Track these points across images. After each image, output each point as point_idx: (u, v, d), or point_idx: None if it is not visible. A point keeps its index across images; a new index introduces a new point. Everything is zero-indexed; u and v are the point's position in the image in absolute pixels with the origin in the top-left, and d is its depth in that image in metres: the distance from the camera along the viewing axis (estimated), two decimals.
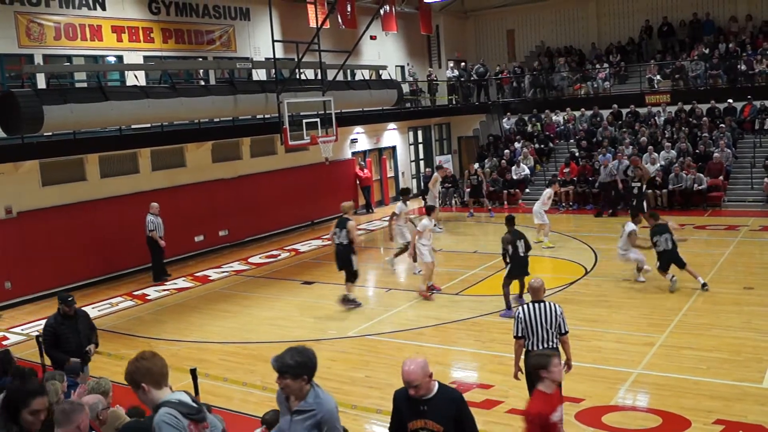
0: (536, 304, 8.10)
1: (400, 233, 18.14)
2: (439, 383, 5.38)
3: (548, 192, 19.78)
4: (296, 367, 4.86)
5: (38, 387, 5.16)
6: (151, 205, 18.29)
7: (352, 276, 14.77)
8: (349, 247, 14.53)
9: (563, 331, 8.06)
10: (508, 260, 13.42)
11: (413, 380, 5.18)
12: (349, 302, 14.74)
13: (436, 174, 24.08)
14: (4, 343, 13.85)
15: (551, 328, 7.97)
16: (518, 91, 32.25)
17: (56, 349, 9.63)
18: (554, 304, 8.13)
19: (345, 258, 14.62)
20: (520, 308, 8.14)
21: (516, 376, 8.33)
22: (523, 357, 8.17)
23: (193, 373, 8.64)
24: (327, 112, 19.71)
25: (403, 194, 18.99)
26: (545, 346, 7.94)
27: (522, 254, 13.26)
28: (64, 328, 9.63)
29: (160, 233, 18.29)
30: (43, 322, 15.41)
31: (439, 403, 5.27)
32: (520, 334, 8.07)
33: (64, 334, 9.60)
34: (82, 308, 10.70)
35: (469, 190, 26.19)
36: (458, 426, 5.31)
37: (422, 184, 29.88)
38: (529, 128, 30.52)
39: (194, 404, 4.46)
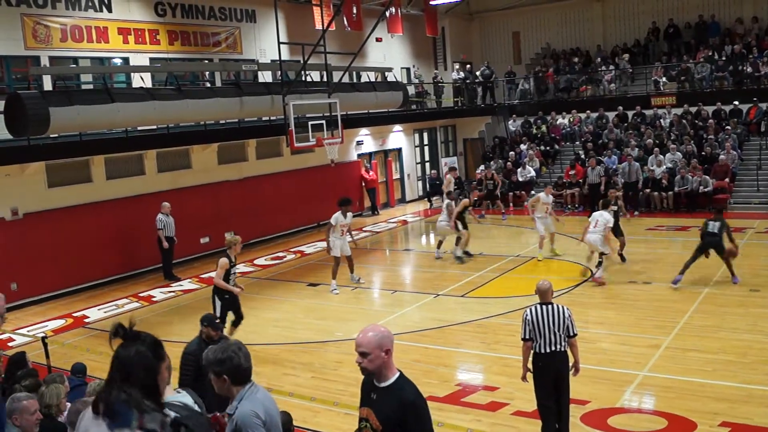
0: (544, 306, 8.06)
1: (338, 247, 16.37)
2: (401, 377, 4.56)
3: (537, 196, 18.73)
4: (214, 363, 4.52)
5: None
6: (162, 204, 18.42)
7: (234, 320, 12.67)
8: (215, 288, 12.54)
9: (572, 334, 8.00)
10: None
11: (361, 344, 4.46)
12: None
13: (449, 176, 24.03)
14: (10, 344, 13.88)
15: (559, 330, 7.92)
16: (524, 93, 32.28)
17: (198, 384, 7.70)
18: (562, 307, 8.10)
19: (212, 299, 12.61)
20: (528, 310, 8.11)
21: (524, 378, 8.29)
22: (530, 359, 8.14)
23: None
24: (333, 114, 19.71)
25: (342, 204, 16.44)
26: (553, 348, 7.92)
27: (711, 230, 14.83)
28: None
29: (171, 233, 18.38)
30: (50, 323, 15.60)
31: (387, 398, 4.48)
32: (527, 336, 8.03)
33: None
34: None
35: (484, 193, 26.31)
36: None
37: (428, 186, 29.94)
38: (534, 130, 30.51)
39: (197, 408, 4.42)
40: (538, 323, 7.95)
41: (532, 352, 8.07)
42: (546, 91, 31.81)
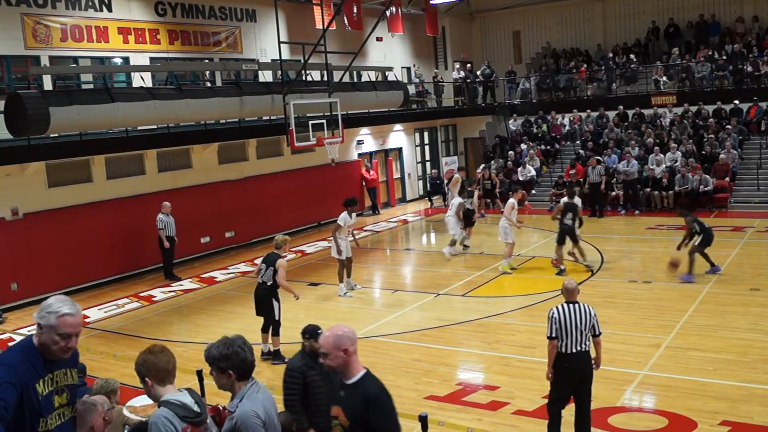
0: (571, 305, 8.05)
1: (344, 248, 16.04)
2: (367, 374, 4.73)
3: (510, 202, 17.50)
4: (220, 359, 4.57)
5: None
6: (162, 204, 18.41)
7: (275, 327, 12.28)
8: (273, 290, 12.17)
9: (596, 333, 8.04)
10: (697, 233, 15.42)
11: (322, 345, 4.71)
12: (278, 357, 12.08)
13: (457, 175, 24.01)
14: (10, 344, 13.88)
15: (585, 330, 7.91)
16: (524, 93, 32.27)
17: (302, 405, 7.00)
18: (588, 306, 8.11)
19: (265, 302, 12.24)
20: (554, 309, 8.06)
21: (548, 377, 8.24)
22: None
23: (200, 374, 8.66)
24: (333, 113, 19.71)
25: (349, 205, 16.10)
26: (579, 348, 7.91)
27: (707, 226, 15.45)
28: (314, 374, 7.02)
29: (171, 233, 18.38)
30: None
31: (353, 394, 4.65)
32: (553, 335, 7.98)
33: (314, 383, 7.01)
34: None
35: (482, 192, 26.39)
36: (369, 430, 4.60)
37: (428, 185, 29.95)
38: (535, 130, 30.50)
39: (196, 408, 4.44)
40: (564, 322, 7.92)
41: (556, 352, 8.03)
42: (577, 88, 31.42)
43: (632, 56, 30.21)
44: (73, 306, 4.16)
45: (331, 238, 16.18)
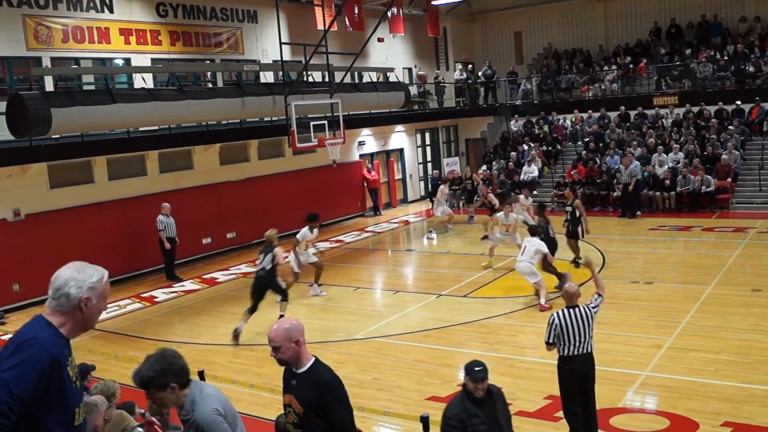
0: (571, 310, 8.01)
1: (299, 263, 16.11)
2: (317, 360, 4.93)
3: (498, 218, 17.93)
4: (159, 377, 4.36)
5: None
6: (162, 205, 18.41)
7: (285, 296, 13.93)
8: (273, 272, 13.64)
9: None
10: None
11: (272, 339, 4.83)
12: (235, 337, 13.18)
13: (442, 187, 23.83)
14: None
15: (588, 331, 7.90)
16: (526, 93, 32.27)
17: None
18: (588, 308, 8.11)
19: (272, 282, 13.70)
20: (556, 314, 8.03)
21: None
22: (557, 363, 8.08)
23: (201, 375, 8.65)
24: (334, 114, 19.72)
25: (309, 220, 16.09)
26: (583, 350, 7.89)
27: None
28: (477, 422, 5.93)
29: (172, 234, 18.38)
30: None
31: (305, 382, 4.83)
32: (551, 341, 7.96)
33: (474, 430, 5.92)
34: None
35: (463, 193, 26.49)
36: (323, 415, 4.78)
37: (430, 186, 29.93)
38: (537, 130, 30.49)
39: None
40: (567, 326, 7.88)
41: (558, 355, 8.00)
42: (632, 83, 30.67)
43: (687, 50, 29.88)
44: (100, 268, 3.61)
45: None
